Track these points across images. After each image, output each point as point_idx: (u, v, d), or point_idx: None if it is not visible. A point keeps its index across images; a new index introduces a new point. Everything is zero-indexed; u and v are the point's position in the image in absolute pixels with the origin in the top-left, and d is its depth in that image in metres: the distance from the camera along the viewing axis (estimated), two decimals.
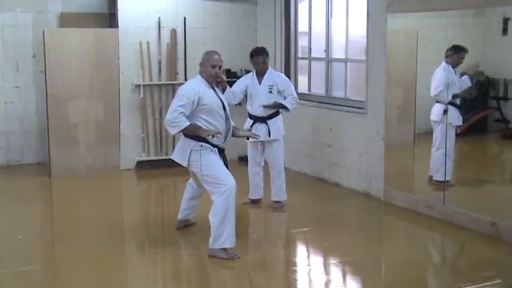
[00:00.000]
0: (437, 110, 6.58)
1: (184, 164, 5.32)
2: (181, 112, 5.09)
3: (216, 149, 5.26)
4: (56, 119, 8.04)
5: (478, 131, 6.91)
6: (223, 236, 5.09)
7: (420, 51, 6.85)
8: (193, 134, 5.15)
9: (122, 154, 8.42)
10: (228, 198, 5.07)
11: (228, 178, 5.13)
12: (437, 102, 6.57)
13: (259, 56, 6.49)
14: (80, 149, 8.21)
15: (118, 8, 8.22)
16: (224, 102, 5.40)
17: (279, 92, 6.47)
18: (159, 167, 8.39)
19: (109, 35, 8.24)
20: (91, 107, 8.21)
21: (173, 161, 5.48)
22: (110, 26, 8.54)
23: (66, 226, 6.20)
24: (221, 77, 5.40)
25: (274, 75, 6.56)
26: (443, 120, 6.46)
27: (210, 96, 5.25)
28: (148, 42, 8.37)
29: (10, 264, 5.08)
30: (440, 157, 6.49)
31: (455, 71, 6.42)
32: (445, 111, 6.39)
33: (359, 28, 7.38)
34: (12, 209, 6.71)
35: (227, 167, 5.30)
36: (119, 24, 8.24)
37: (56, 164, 8.05)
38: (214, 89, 5.35)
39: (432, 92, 6.54)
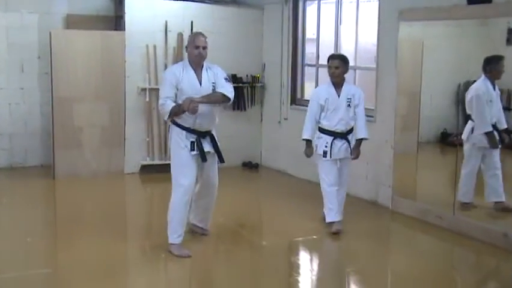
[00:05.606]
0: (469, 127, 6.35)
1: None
2: (167, 97, 5.13)
3: (195, 136, 5.20)
4: (61, 121, 7.98)
5: None
6: (169, 230, 5.29)
7: (424, 60, 6.82)
8: (179, 113, 5.10)
9: (126, 158, 8.36)
10: (183, 195, 5.24)
11: (188, 177, 5.24)
12: (470, 119, 6.32)
13: (334, 59, 5.99)
14: (85, 152, 8.15)
15: (126, 11, 8.15)
16: (209, 88, 5.17)
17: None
18: (163, 171, 8.25)
19: (116, 37, 8.18)
20: (96, 109, 8.15)
21: None
22: (116, 29, 8.50)
23: (70, 230, 6.12)
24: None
25: (352, 87, 6.12)
26: (469, 139, 6.30)
27: (187, 80, 5.16)
28: (154, 46, 8.32)
29: (16, 268, 5.02)
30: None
31: (494, 86, 6.15)
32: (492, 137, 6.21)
33: (368, 36, 7.36)
34: (16, 212, 6.65)
35: (217, 150, 5.32)
36: (126, 28, 8.18)
37: (60, 166, 7.99)
38: (199, 72, 5.20)
39: (478, 122, 6.21)
